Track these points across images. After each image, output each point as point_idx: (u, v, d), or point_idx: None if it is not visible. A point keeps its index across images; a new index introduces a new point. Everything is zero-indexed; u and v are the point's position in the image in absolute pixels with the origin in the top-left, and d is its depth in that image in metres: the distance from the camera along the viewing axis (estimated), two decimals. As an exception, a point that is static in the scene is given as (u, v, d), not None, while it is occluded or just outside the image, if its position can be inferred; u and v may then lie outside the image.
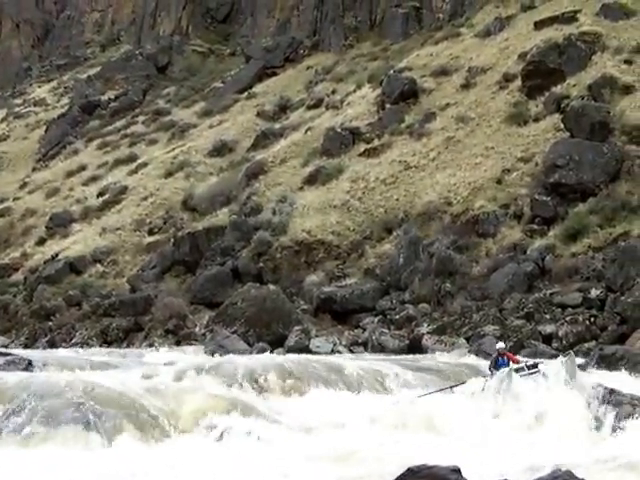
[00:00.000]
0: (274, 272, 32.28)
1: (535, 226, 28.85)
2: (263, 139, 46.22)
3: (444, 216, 31.27)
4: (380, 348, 25.32)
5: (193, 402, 13.73)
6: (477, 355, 21.96)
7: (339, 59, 57.60)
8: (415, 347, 24.91)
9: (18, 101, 78.99)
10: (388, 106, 40.58)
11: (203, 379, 15.54)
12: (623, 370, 17.42)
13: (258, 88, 58.10)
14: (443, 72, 41.93)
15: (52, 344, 31.81)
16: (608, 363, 17.72)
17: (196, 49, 72.40)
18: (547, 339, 23.54)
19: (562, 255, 26.93)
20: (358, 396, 15.57)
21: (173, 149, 50.80)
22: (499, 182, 31.69)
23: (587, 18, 38.78)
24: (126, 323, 31.85)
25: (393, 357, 22.57)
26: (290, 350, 25.43)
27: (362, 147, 38.45)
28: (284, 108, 52.22)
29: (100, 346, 30.47)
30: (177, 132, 55.13)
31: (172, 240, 37.45)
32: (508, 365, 15.39)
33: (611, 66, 34.27)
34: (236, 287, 31.00)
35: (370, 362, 19.32)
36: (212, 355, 22.83)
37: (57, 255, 40.16)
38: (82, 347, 30.21)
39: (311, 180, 37.47)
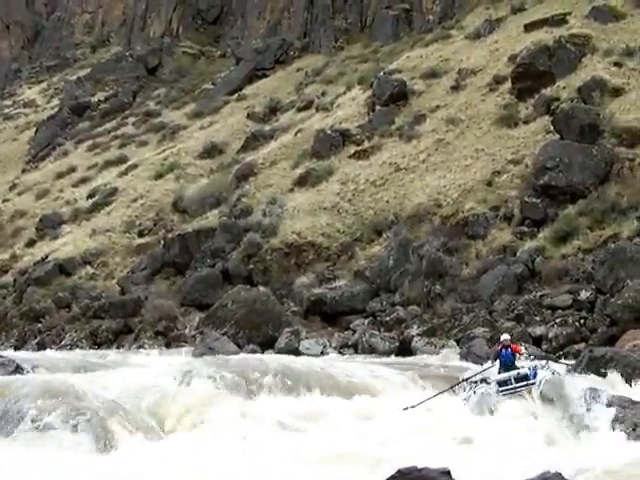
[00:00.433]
0: (264, 274, 32.23)
1: (525, 228, 28.86)
2: (253, 141, 46.17)
3: (434, 218, 31.25)
4: (370, 350, 25.28)
5: (184, 403, 13.72)
6: (467, 358, 21.90)
7: (329, 61, 57.64)
8: (405, 349, 24.88)
9: (8, 102, 78.72)
10: (378, 108, 40.57)
11: (194, 381, 15.35)
12: (613, 372, 17.37)
13: (248, 90, 58.08)
14: (433, 74, 41.98)
15: (42, 346, 31.64)
16: (598, 365, 17.66)
17: (186, 51, 72.31)
18: (537, 341, 23.52)
19: (552, 257, 26.92)
20: (349, 398, 15.49)
21: (163, 151, 50.69)
22: (489, 184, 31.70)
23: (577, 20, 38.93)
24: (116, 325, 31.76)
25: (383, 359, 22.57)
26: (280, 352, 25.38)
27: (352, 149, 38.44)
28: (274, 110, 52.19)
29: (90, 348, 30.38)
30: (167, 134, 55.03)
31: (162, 242, 37.37)
32: (513, 357, 14.93)
33: (601, 68, 34.39)
34: (226, 289, 30.88)
35: (361, 364, 19.29)
36: (202, 357, 22.74)
37: (47, 257, 39.96)
38: (72, 349, 30.12)
39: (301, 182, 37.43)
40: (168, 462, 11.25)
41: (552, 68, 35.51)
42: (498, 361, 15.13)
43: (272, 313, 28.01)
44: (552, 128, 31.91)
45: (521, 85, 36.14)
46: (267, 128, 48.02)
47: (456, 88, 39.90)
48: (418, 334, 25.40)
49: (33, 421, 12.31)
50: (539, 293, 25.49)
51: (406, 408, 14.51)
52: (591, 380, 16.06)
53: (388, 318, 27.21)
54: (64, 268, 38.38)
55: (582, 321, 23.60)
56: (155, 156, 50.06)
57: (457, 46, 44.92)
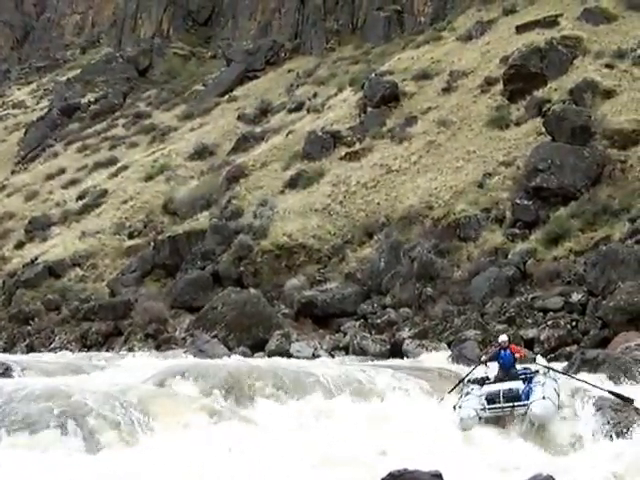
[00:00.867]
0: (255, 276, 32.07)
1: (516, 230, 28.78)
2: (244, 142, 46.07)
3: (425, 220, 31.14)
4: (361, 352, 25.12)
5: (173, 406, 13.58)
6: (458, 360, 21.81)
7: (320, 62, 57.62)
8: (396, 351, 24.75)
9: (-3, 103, 78.49)
10: (369, 109, 40.51)
11: (183, 383, 15.20)
12: (604, 374, 17.29)
13: (239, 91, 58.02)
14: (424, 76, 41.96)
15: (31, 348, 31.49)
16: (589, 367, 17.60)
17: (177, 52, 72.20)
18: (529, 343, 23.35)
19: (543, 259, 26.82)
20: (339, 400, 15.38)
21: (153, 152, 50.55)
22: (480, 186, 31.63)
23: (568, 22, 38.99)
24: (105, 327, 31.54)
25: (375, 362, 22.45)
26: (271, 354, 25.27)
27: (343, 151, 38.33)
28: (265, 111, 52.14)
29: (79, 350, 30.22)
30: (157, 135, 54.93)
31: (152, 244, 37.18)
32: (513, 359, 14.15)
33: (592, 70, 34.40)
34: (216, 291, 30.71)
35: (352, 366, 19.18)
36: (192, 359, 22.63)
37: (36, 259, 39.79)
38: (61, 351, 29.85)
39: (292, 184, 37.34)
40: (156, 464, 11.20)
41: (544, 70, 35.52)
42: (497, 364, 14.45)
43: (263, 315, 27.82)
44: (544, 130, 31.85)
45: (513, 87, 36.11)
46: (258, 129, 47.95)
47: (447, 90, 39.88)
48: (409, 337, 25.24)
49: (22, 423, 12.20)
50: (531, 295, 25.34)
51: (442, 399, 14.30)
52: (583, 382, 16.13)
53: (379, 320, 27.07)
54: (53, 270, 38.19)
55: (574, 323, 23.44)
56: (145, 158, 49.91)
57: (448, 48, 44.91)
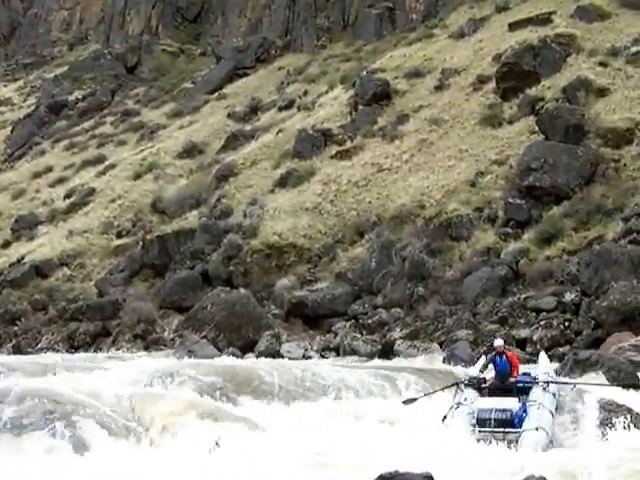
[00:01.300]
0: (244, 276, 31.82)
1: (509, 229, 28.67)
2: (234, 140, 45.79)
3: (417, 219, 30.97)
4: (352, 353, 24.96)
5: (162, 407, 13.36)
6: (450, 361, 21.66)
7: (311, 60, 57.38)
8: (387, 352, 24.56)
9: (-17, 101, 77.82)
10: (361, 108, 40.29)
11: (172, 385, 15.12)
12: (598, 375, 17.16)
13: (229, 89, 57.69)
14: (416, 73, 41.76)
15: (18, 349, 31.10)
16: (582, 368, 17.48)
17: (166, 49, 71.75)
18: (521, 344, 23.27)
19: (536, 259, 26.73)
20: (328, 402, 15.23)
21: (142, 150, 50.18)
22: (473, 185, 31.48)
23: (562, 20, 38.94)
24: (93, 328, 31.27)
25: (368, 363, 22.29)
26: (260, 355, 25.07)
27: (334, 149, 38.10)
28: (255, 109, 51.86)
29: (67, 351, 29.96)
30: (146, 133, 54.52)
31: (141, 243, 36.86)
32: (509, 366, 13.52)
33: (586, 68, 34.33)
34: (206, 291, 30.46)
35: (343, 367, 19.02)
36: (181, 360, 22.42)
37: (23, 258, 39.37)
38: (48, 352, 29.59)
39: (282, 182, 37.10)
40: (146, 465, 11.06)
41: (537, 68, 35.44)
42: (493, 369, 13.86)
43: (252, 316, 27.60)
44: (537, 128, 31.76)
45: (505, 85, 35.98)
46: (248, 128, 47.67)
47: (440, 88, 39.70)
48: (401, 337, 25.10)
49: (10, 424, 12.02)
50: (523, 295, 25.25)
51: (406, 401, 13.99)
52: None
53: (370, 321, 26.90)
54: (40, 270, 37.81)
55: (567, 323, 23.36)
56: (134, 156, 49.54)
57: (441, 45, 44.78)
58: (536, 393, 13.43)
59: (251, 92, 55.02)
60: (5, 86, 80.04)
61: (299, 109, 46.66)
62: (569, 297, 24.30)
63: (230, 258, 32.49)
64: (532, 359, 21.96)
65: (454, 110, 37.31)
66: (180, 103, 58.58)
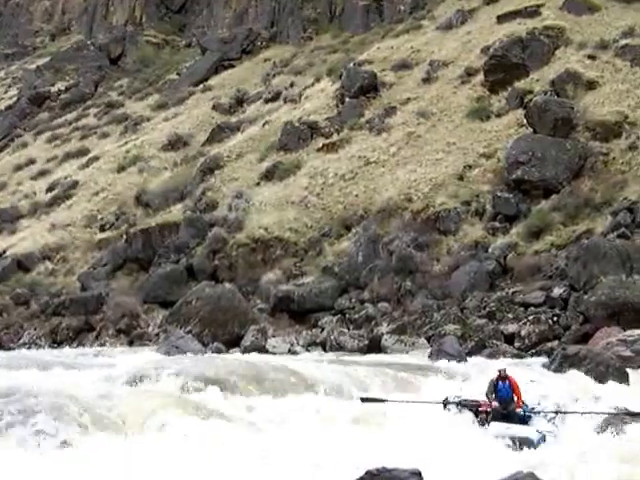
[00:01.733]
0: (230, 270, 31.62)
1: (497, 223, 28.68)
2: (219, 133, 45.47)
3: (404, 213, 30.83)
4: (339, 348, 24.80)
5: (146, 402, 13.08)
6: (437, 356, 21.43)
7: (298, 51, 57.08)
8: (374, 347, 24.45)
9: (-36, 92, 77.07)
10: (347, 100, 40.00)
11: (157, 380, 14.79)
12: (586, 370, 17.01)
13: (214, 80, 57.32)
14: (404, 66, 41.53)
15: (-1, 344, 30.87)
16: (571, 363, 17.35)
17: (150, 40, 71.22)
18: (509, 339, 23.24)
19: (524, 253, 26.71)
20: (316, 397, 14.96)
21: (126, 143, 49.83)
22: (461, 178, 31.40)
23: (551, 12, 38.86)
24: (76, 322, 31.06)
25: (354, 357, 22.05)
26: (246, 350, 24.84)
27: (320, 142, 37.86)
28: (241, 101, 51.58)
29: (49, 346, 29.76)
30: (130, 125, 54.13)
31: (124, 237, 36.58)
32: (512, 392, 12.90)
33: (575, 61, 34.26)
34: (190, 285, 30.28)
35: (329, 363, 18.81)
36: (166, 355, 22.18)
37: (4, 252, 39.09)
38: (30, 347, 29.51)
39: (268, 175, 36.85)
40: (129, 461, 10.70)
41: (525, 60, 35.40)
42: (495, 395, 13.07)
43: (238, 310, 27.43)
44: (525, 121, 31.70)
45: (494, 77, 35.85)
46: (233, 120, 47.46)
47: (427, 80, 39.50)
48: (388, 332, 25.04)
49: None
50: (511, 290, 25.24)
51: (364, 399, 13.56)
52: (566, 379, 15.84)
53: (357, 315, 26.79)
54: (22, 264, 37.53)
55: (555, 318, 23.32)
56: (117, 148, 49.20)
57: (428, 37, 44.60)
58: (536, 425, 12.77)
59: (237, 84, 54.68)
60: (-14, 77, 79.32)
61: (285, 101, 46.41)
62: (557, 292, 24.27)
63: (215, 252, 32.31)
64: (520, 354, 21.97)
65: (442, 103, 37.13)
66: (165, 95, 58.21)
